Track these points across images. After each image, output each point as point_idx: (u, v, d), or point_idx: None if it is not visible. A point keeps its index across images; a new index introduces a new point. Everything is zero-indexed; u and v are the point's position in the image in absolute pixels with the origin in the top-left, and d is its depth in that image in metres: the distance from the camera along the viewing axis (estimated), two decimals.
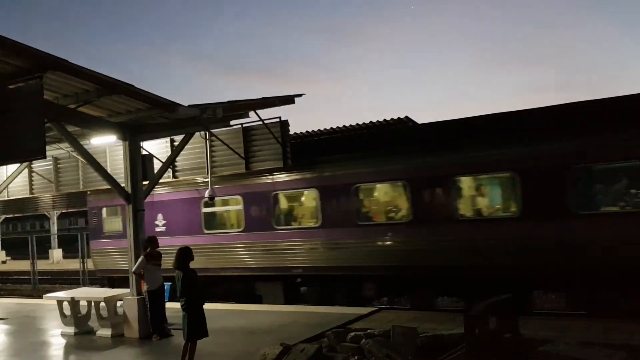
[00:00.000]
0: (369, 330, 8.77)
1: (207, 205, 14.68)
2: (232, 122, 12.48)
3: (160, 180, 14.48)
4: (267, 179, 13.93)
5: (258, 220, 14.09)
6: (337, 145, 13.57)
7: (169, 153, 13.39)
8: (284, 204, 14.32)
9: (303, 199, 14.26)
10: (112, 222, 16.81)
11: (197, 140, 13.17)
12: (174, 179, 14.68)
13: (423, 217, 12.02)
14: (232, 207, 14.82)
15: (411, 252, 12.06)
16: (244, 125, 13.21)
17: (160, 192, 15.22)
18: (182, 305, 7.97)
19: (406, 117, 13.38)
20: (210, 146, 13.66)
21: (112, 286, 16.01)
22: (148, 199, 15.03)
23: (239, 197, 14.35)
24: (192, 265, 8.01)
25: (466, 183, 12.03)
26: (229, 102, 10.83)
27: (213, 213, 15.16)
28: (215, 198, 13.88)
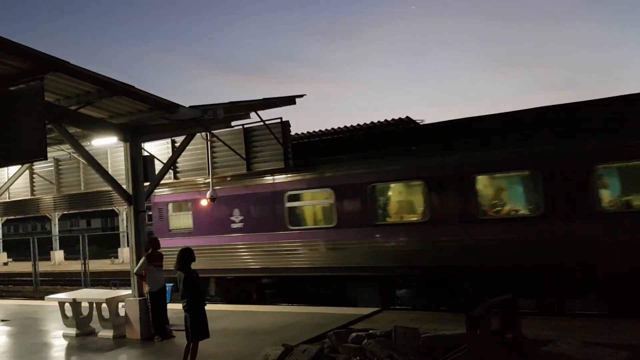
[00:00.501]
0: (370, 331, 8.76)
1: (292, 199, 13.71)
2: (233, 123, 12.53)
3: (237, 174, 13.87)
4: (362, 169, 12.69)
5: (353, 215, 12.87)
6: (450, 130, 12.38)
7: (170, 154, 13.39)
8: (384, 197, 13.08)
9: (407, 191, 12.93)
10: (180, 218, 15.53)
11: (199, 141, 13.17)
12: (252, 172, 13.63)
13: (556, 211, 10.74)
14: (322, 201, 13.58)
15: (543, 248, 10.71)
16: (245, 126, 13.22)
17: (236, 186, 14.29)
18: (183, 306, 7.97)
19: (407, 117, 13.36)
20: (212, 147, 13.66)
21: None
22: (223, 193, 14.19)
23: (329, 190, 13.20)
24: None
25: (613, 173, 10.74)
26: (230, 103, 10.84)
27: (299, 208, 13.97)
28: (301, 191, 13.22)
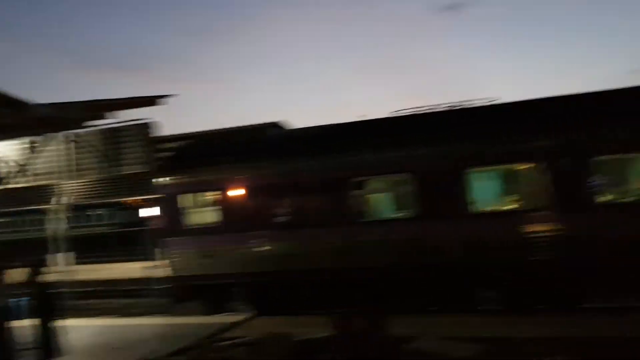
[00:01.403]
0: (237, 339, 8.56)
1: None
2: (97, 123, 11.74)
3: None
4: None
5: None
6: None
7: (28, 155, 12.29)
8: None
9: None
10: (198, 213, 12.61)
11: (61, 142, 12.24)
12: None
13: None
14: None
15: None
16: (108, 127, 12.45)
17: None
18: (36, 323, 7.33)
19: (276, 122, 13.37)
20: (75, 148, 12.72)
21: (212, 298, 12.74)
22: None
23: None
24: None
25: None
26: (88, 101, 10.11)
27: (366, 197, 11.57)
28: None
